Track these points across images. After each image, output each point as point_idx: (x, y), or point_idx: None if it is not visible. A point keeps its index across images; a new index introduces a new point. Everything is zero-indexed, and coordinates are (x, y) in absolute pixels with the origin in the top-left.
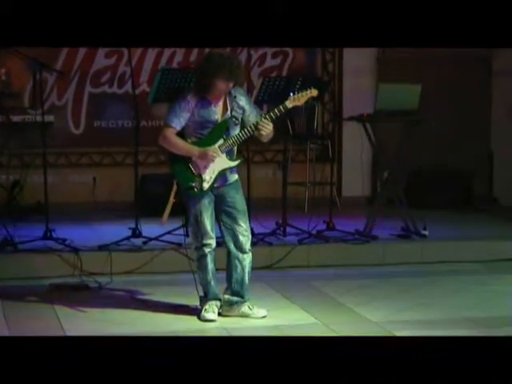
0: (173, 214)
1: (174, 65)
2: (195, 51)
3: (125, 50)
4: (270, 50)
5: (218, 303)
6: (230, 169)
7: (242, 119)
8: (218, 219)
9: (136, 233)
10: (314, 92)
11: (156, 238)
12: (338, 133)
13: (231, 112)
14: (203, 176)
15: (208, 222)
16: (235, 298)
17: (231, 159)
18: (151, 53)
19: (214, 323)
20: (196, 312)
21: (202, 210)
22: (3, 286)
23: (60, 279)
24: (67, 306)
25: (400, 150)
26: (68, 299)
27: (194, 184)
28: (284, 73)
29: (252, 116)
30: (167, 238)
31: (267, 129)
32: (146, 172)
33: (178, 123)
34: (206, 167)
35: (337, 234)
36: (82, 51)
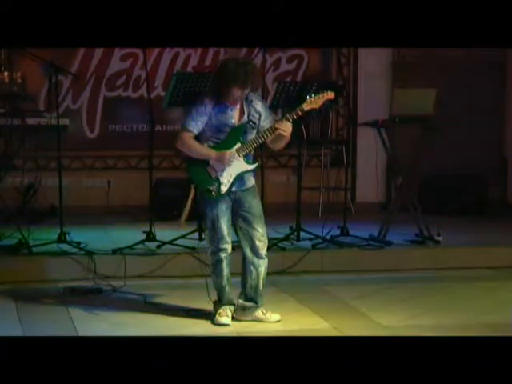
0: (189, 219)
1: (189, 69)
2: (210, 55)
3: (140, 54)
4: (284, 55)
5: (232, 308)
6: (248, 173)
7: (259, 124)
8: (234, 224)
9: (150, 236)
10: (331, 94)
11: (170, 242)
12: (352, 138)
13: (248, 116)
14: (221, 179)
15: (225, 226)
16: (249, 303)
17: (248, 163)
18: (166, 57)
19: (227, 327)
20: (209, 316)
21: (220, 214)
22: (18, 289)
23: (74, 282)
24: (81, 309)
25: (414, 156)
26: (82, 302)
27: (211, 188)
28: (299, 77)
29: (267, 121)
30: (181, 241)
31: (288, 130)
32: (161, 176)
33: (196, 127)
34: (223, 170)
35: (351, 239)
36: (98, 55)
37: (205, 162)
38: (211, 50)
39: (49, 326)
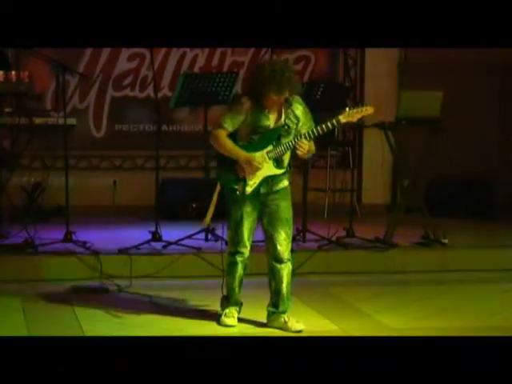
0: (213, 216)
1: (196, 69)
2: (217, 56)
3: (147, 54)
4: (292, 55)
5: (238, 309)
6: (278, 176)
7: (296, 129)
8: (262, 224)
9: (156, 236)
10: (370, 110)
11: (176, 242)
12: (358, 140)
13: (285, 120)
14: (247, 180)
15: (247, 230)
16: (272, 309)
17: (278, 167)
18: (173, 57)
19: (232, 328)
20: (215, 317)
21: (244, 216)
22: (24, 288)
23: (80, 282)
24: (87, 309)
25: (421, 158)
26: (88, 302)
27: (236, 187)
28: (306, 78)
29: (304, 128)
30: (187, 242)
31: (302, 148)
32: (167, 176)
33: (231, 125)
34: (250, 172)
35: (356, 240)
36: (105, 54)
37: (234, 161)
38: (218, 51)
39: (54, 326)
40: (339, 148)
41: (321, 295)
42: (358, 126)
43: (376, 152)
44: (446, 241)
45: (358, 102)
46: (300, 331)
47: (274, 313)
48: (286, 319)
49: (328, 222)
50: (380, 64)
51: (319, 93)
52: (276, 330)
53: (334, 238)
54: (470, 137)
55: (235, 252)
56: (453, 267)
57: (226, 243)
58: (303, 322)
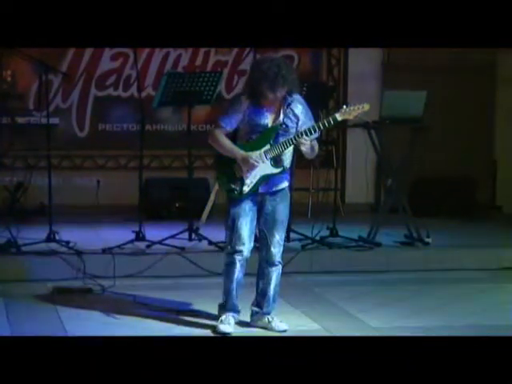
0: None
1: (180, 69)
2: (201, 55)
3: (130, 53)
4: (275, 55)
5: (236, 315)
6: (277, 176)
7: (296, 128)
8: (258, 224)
9: (139, 236)
10: (367, 107)
11: (159, 242)
12: (342, 139)
13: (283, 119)
14: (244, 179)
15: (245, 227)
16: (256, 309)
17: (275, 166)
18: (156, 56)
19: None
20: (198, 316)
21: (241, 214)
22: (6, 288)
23: (63, 282)
24: (70, 309)
25: (405, 158)
26: (71, 302)
27: (234, 186)
28: None
29: (304, 126)
30: (171, 241)
31: (304, 145)
32: (150, 176)
33: (229, 124)
34: (248, 171)
35: (340, 240)
36: (88, 54)
37: (232, 161)
38: (202, 50)
39: (38, 326)
40: (323, 147)
41: (304, 295)
42: (342, 125)
43: (360, 151)
44: (429, 240)
45: (349, 103)
46: (284, 331)
47: (257, 313)
48: (270, 319)
49: (312, 222)
50: (363, 63)
51: (303, 92)
52: (260, 330)
53: (317, 238)
54: (453, 137)
55: (233, 251)
56: (436, 266)
57: (212, 244)
58: (287, 321)
